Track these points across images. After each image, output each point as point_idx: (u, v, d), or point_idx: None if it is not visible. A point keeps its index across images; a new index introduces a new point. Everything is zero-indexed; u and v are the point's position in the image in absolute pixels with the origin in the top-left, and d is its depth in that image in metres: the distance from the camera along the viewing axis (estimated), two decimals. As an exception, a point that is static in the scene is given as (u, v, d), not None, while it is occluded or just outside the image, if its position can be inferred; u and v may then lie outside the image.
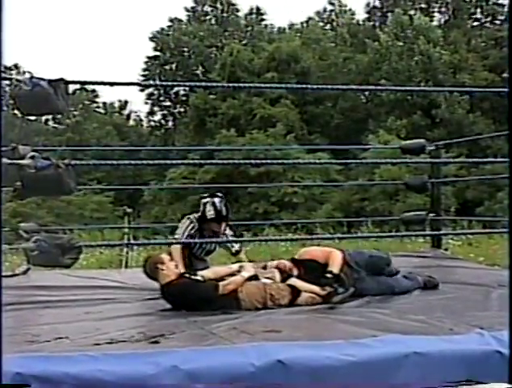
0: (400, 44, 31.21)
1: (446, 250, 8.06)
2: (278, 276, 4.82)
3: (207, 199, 5.78)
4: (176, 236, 5.89)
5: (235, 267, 4.84)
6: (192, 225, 5.81)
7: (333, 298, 4.59)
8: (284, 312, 4.30)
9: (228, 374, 2.76)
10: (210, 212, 5.69)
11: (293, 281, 4.73)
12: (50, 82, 3.48)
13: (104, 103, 42.76)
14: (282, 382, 2.80)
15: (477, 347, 3.11)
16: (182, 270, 5.43)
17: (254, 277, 4.74)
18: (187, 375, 2.70)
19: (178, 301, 4.50)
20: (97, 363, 2.71)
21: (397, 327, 3.55)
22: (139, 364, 2.73)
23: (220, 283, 4.54)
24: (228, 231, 6.02)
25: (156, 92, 41.47)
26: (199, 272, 4.83)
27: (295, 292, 4.63)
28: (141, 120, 43.69)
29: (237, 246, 6.03)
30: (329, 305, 4.49)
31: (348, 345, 3.03)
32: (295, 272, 4.93)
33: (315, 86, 5.58)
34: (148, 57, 41.78)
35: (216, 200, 5.73)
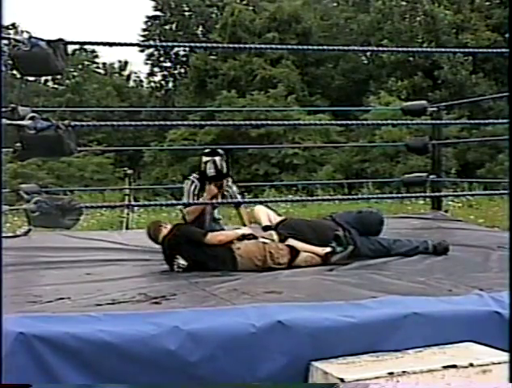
0: (404, 3, 30.79)
1: (446, 211, 8.08)
2: (276, 237, 4.86)
3: (208, 158, 5.77)
4: (184, 201, 5.90)
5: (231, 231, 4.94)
6: (194, 185, 5.81)
7: (332, 258, 4.60)
8: (285, 274, 4.33)
9: (229, 335, 2.79)
10: (211, 171, 5.68)
11: (291, 241, 4.75)
12: (49, 42, 3.45)
13: (104, 64, 42.25)
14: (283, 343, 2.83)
15: (476, 307, 3.13)
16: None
17: (252, 236, 4.80)
18: (188, 335, 2.73)
19: (172, 249, 4.60)
20: (98, 323, 2.74)
21: (396, 289, 3.58)
22: (140, 324, 2.75)
23: (209, 233, 4.70)
24: (234, 188, 6.01)
25: (156, 53, 40.95)
26: None
27: (294, 252, 4.66)
28: (141, 80, 43.26)
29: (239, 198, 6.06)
30: (329, 266, 4.51)
31: (348, 306, 3.06)
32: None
33: (316, 47, 5.55)
34: (148, 17, 41.21)
35: (217, 158, 5.73)
